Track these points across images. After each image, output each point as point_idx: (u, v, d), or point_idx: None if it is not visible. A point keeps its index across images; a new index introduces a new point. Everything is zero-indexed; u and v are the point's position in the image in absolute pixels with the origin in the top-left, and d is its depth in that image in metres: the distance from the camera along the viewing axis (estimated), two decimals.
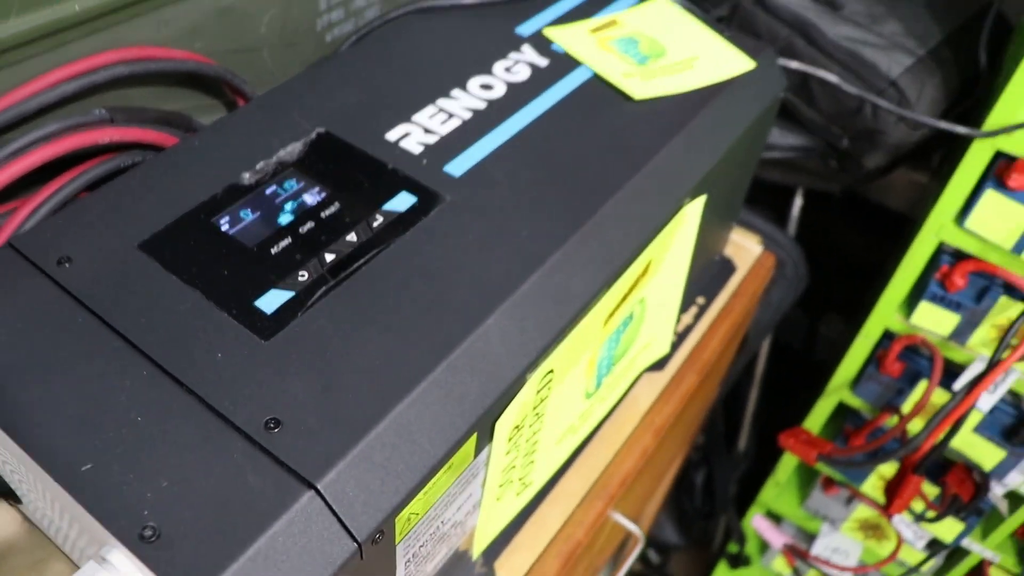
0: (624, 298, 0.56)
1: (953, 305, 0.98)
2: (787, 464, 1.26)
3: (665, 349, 0.71)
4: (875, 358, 1.07)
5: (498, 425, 0.45)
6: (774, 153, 0.96)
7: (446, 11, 0.67)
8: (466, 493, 0.48)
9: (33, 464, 0.38)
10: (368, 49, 0.63)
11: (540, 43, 0.65)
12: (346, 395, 0.40)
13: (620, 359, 0.62)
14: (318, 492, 0.37)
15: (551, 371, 0.49)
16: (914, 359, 1.06)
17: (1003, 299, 0.95)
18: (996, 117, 0.83)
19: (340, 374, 0.41)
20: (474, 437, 0.44)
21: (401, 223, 0.48)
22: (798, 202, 1.12)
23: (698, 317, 0.80)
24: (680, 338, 0.77)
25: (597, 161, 0.55)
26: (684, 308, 0.79)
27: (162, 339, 0.42)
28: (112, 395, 0.40)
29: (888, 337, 1.06)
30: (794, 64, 0.77)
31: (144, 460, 0.37)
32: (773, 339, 1.33)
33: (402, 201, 0.50)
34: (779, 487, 1.31)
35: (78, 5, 0.55)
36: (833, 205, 1.28)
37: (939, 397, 1.03)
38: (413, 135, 0.54)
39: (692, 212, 0.60)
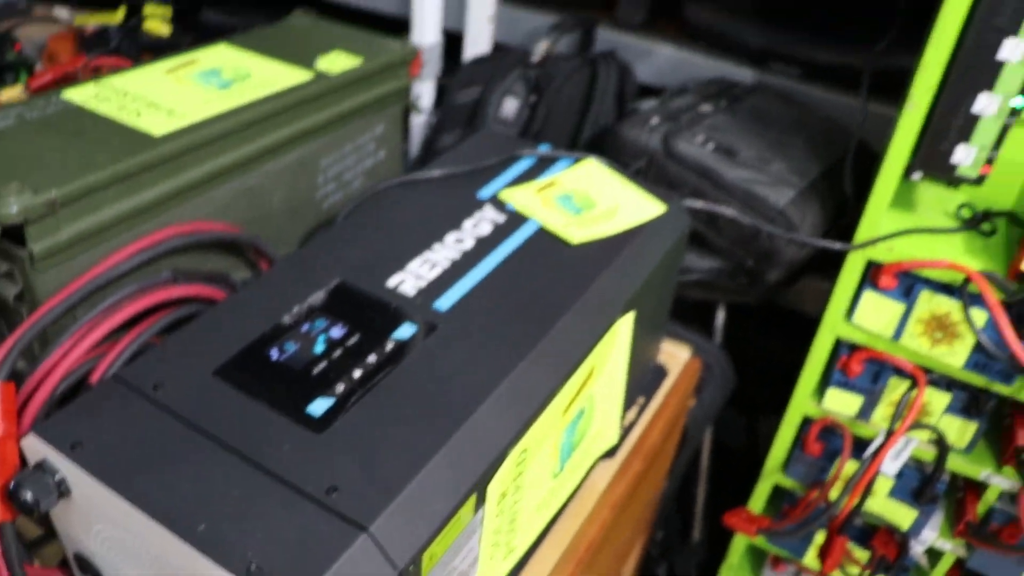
0: (576, 395, 0.73)
1: (855, 388, 1.16)
2: (738, 547, 1.41)
3: (614, 439, 0.87)
4: (799, 441, 1.25)
5: (489, 489, 0.61)
6: (694, 275, 1.16)
7: (421, 182, 0.86)
8: (468, 546, 0.63)
9: (156, 528, 0.53)
10: (363, 215, 0.81)
11: (497, 203, 0.84)
12: (381, 468, 0.56)
13: (578, 446, 0.79)
14: (370, 534, 0.52)
15: (525, 449, 0.66)
16: (831, 438, 1.23)
17: (893, 379, 1.14)
18: (863, 232, 1.04)
19: (375, 453, 0.57)
20: (473, 497, 0.60)
21: (407, 347, 0.65)
22: (720, 315, 1.31)
23: (640, 413, 0.97)
24: (626, 431, 0.94)
25: (547, 292, 0.73)
26: (628, 406, 0.96)
27: (242, 438, 0.58)
28: (211, 479, 0.55)
29: (807, 422, 1.23)
30: (699, 204, 0.96)
31: (243, 520, 0.53)
32: (717, 440, 1.50)
33: (406, 331, 0.67)
34: (733, 570, 1.46)
35: (149, 196, 0.73)
36: (755, 315, 1.47)
37: (852, 467, 1.21)
38: (407, 281, 0.72)
39: (624, 326, 0.78)
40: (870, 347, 1.12)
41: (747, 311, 1.39)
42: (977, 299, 1.00)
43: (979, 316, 1.03)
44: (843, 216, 1.13)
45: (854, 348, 1.15)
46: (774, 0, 1.54)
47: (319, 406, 0.60)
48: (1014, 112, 0.96)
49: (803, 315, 1.55)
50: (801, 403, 1.21)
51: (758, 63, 1.54)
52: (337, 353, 0.64)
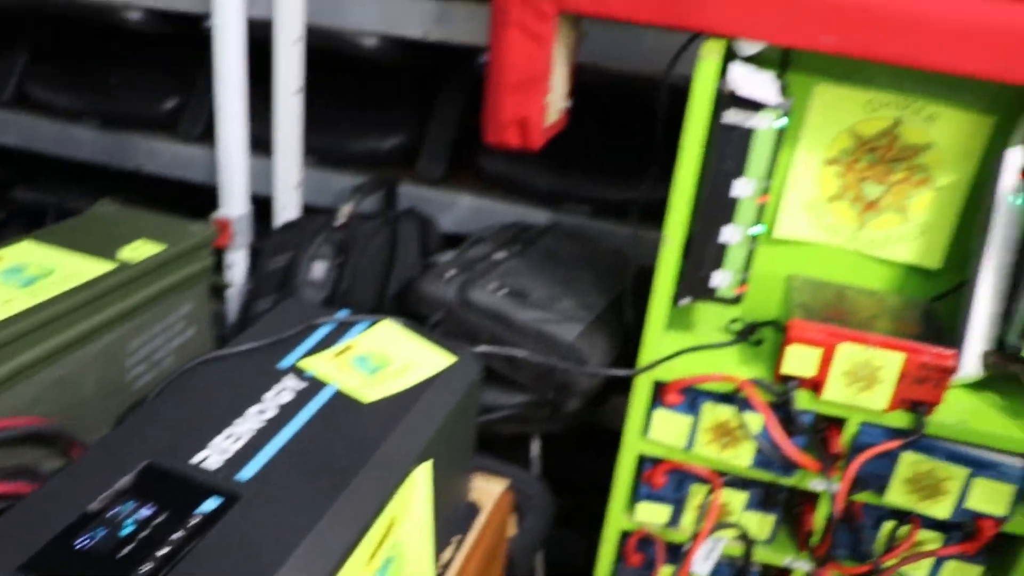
0: (379, 545, 0.79)
1: (662, 499, 1.26)
2: None
3: None
4: (620, 554, 1.33)
5: None
6: (503, 412, 1.25)
7: (226, 358, 0.92)
8: None
9: None
10: (170, 396, 0.86)
11: (297, 372, 0.90)
12: None
13: None
14: None
15: None
16: (648, 548, 1.32)
17: (694, 486, 1.25)
18: (645, 356, 1.16)
19: None
20: None
21: (211, 519, 0.70)
22: (535, 445, 1.40)
23: (456, 551, 1.03)
24: (443, 569, 1.00)
25: (343, 452, 0.79)
26: (442, 546, 1.02)
27: None
28: None
29: (626, 535, 1.32)
30: (490, 348, 1.06)
31: None
32: (556, 563, 1.57)
33: (210, 504, 0.72)
34: None
35: None
36: (576, 436, 1.56)
37: (669, 573, 1.30)
38: (212, 456, 0.77)
39: (421, 475, 0.85)
40: (669, 459, 1.23)
41: (568, 434, 1.48)
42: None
43: (756, 419, 1.15)
44: (632, 340, 1.24)
45: (656, 461, 1.26)
46: (561, 147, 1.69)
47: None
48: (754, 239, 1.11)
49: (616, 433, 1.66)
50: (616, 519, 1.30)
51: (551, 204, 1.69)
52: (144, 534, 0.69)
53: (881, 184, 1.28)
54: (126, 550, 0.67)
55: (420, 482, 0.85)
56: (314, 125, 1.72)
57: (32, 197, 2.12)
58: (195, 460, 0.77)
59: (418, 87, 1.84)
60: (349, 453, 0.80)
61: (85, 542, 0.68)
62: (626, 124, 1.62)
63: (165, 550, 0.67)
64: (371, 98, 1.85)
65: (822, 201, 1.30)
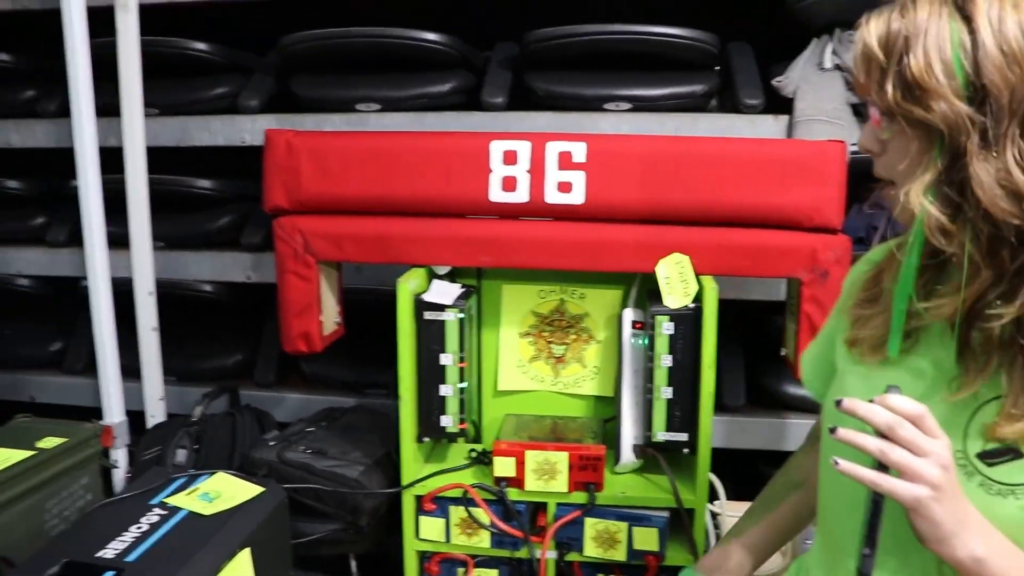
0: None
1: None
2: None
3: None
4: None
5: None
6: (317, 535, 1.76)
7: (114, 502, 1.43)
8: None
9: None
10: (78, 527, 1.37)
11: (163, 505, 1.42)
12: None
13: None
14: None
15: None
16: None
17: (460, 570, 1.77)
18: (405, 479, 1.71)
19: None
20: None
21: None
22: (353, 563, 1.91)
23: None
24: None
25: (192, 541, 1.31)
26: None
27: None
28: None
29: None
30: (298, 486, 1.59)
31: None
32: None
33: (109, 574, 1.22)
34: None
35: None
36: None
37: None
38: (108, 551, 1.28)
39: (243, 559, 1.37)
40: (436, 551, 1.76)
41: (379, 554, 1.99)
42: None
43: (484, 513, 1.71)
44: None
45: (430, 555, 1.78)
46: (359, 347, 2.27)
47: None
48: (463, 391, 1.70)
49: None
50: None
51: (356, 391, 2.26)
52: None
53: (563, 344, 1.91)
54: None
55: (244, 560, 1.37)
56: (173, 353, 2.27)
57: None
58: (98, 554, 1.28)
59: (249, 316, 2.42)
60: (194, 542, 1.32)
61: None
62: None
63: None
64: (214, 328, 2.42)
65: (526, 361, 1.92)
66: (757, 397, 2.21)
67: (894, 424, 0.83)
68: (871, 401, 0.86)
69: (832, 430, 0.87)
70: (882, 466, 0.84)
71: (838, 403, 0.87)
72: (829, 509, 1.07)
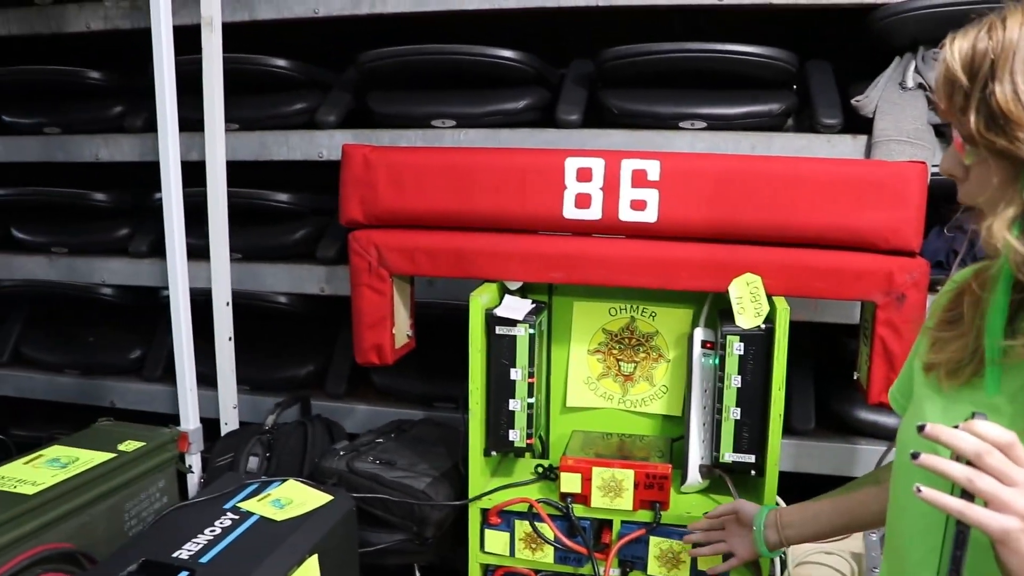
0: None
1: None
2: None
3: None
4: None
5: None
6: (383, 545, 1.78)
7: (189, 505, 1.47)
8: None
9: None
10: (155, 528, 1.41)
11: (235, 510, 1.46)
12: None
13: None
14: None
15: None
16: None
17: None
18: (472, 492, 1.72)
19: None
20: None
21: None
22: (417, 573, 1.93)
23: None
24: None
25: (263, 545, 1.34)
26: None
27: None
28: None
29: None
30: (366, 495, 1.62)
31: None
32: None
33: (184, 574, 1.26)
34: None
35: (22, 531, 1.30)
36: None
37: None
38: (183, 552, 1.31)
39: (312, 562, 1.39)
40: (500, 565, 1.77)
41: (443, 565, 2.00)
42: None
43: (549, 529, 1.71)
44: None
45: (494, 569, 1.79)
46: (430, 360, 2.29)
47: None
48: (531, 406, 1.70)
49: None
50: None
51: (425, 404, 2.28)
52: None
53: (632, 362, 1.91)
54: None
55: (312, 566, 1.40)
56: (247, 362, 2.32)
57: (25, 434, 2.63)
58: (174, 555, 1.31)
59: (322, 328, 2.46)
60: (265, 546, 1.35)
61: None
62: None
63: None
64: (288, 339, 2.47)
65: (594, 378, 1.92)
66: (827, 421, 2.17)
67: (983, 451, 0.79)
68: (956, 427, 0.82)
69: (914, 455, 0.83)
70: (966, 494, 0.81)
71: (920, 428, 0.84)
72: (901, 536, 1.05)
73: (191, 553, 1.31)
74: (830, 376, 2.22)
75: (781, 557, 1.83)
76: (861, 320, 1.84)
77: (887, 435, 2.10)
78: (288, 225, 2.33)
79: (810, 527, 1.39)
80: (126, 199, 2.48)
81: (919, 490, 0.82)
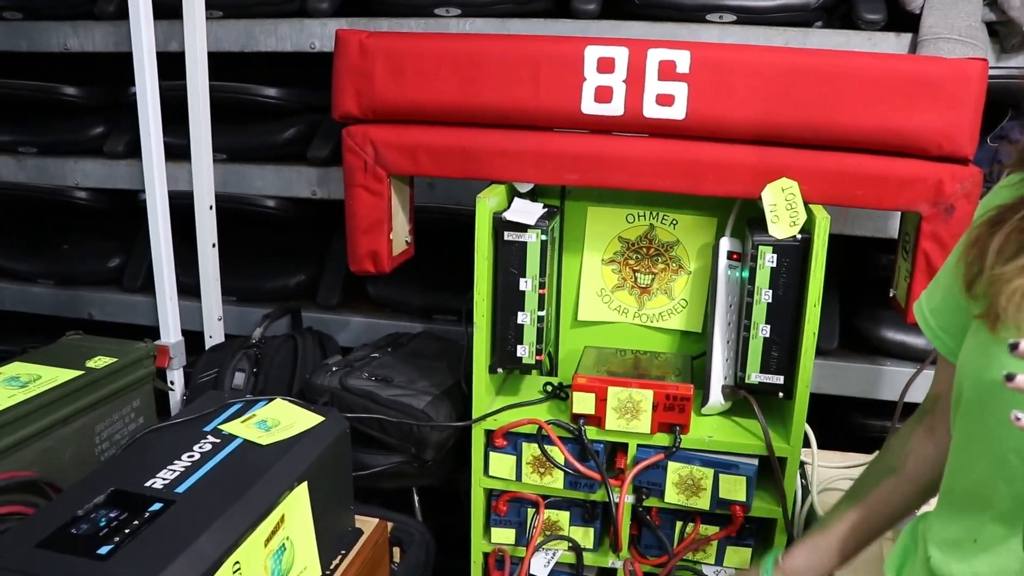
0: (273, 532, 1.19)
1: (507, 523, 1.67)
2: None
3: (317, 573, 1.33)
4: (485, 574, 1.72)
5: None
6: (380, 468, 1.66)
7: (166, 427, 1.33)
8: None
9: None
10: (128, 452, 1.27)
11: (216, 432, 1.32)
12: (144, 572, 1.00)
13: (287, 573, 1.24)
14: None
15: (238, 561, 1.11)
16: (503, 565, 1.71)
17: (530, 509, 1.66)
18: (476, 412, 1.59)
19: (138, 567, 1.01)
20: None
21: (158, 513, 1.11)
22: (415, 497, 1.81)
23: (342, 559, 1.42)
24: (334, 569, 1.39)
25: (246, 473, 1.21)
26: (335, 554, 1.41)
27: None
28: None
29: (486, 556, 1.72)
30: (361, 415, 1.48)
31: None
32: None
33: (156, 505, 1.12)
34: None
35: None
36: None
37: None
38: (158, 481, 1.18)
39: (301, 491, 1.26)
40: (506, 490, 1.65)
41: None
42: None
43: (559, 452, 1.58)
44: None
45: (499, 494, 1.67)
46: (429, 270, 2.14)
47: (103, 549, 1.04)
48: (541, 319, 1.56)
49: None
50: (477, 543, 1.71)
51: (424, 317, 2.14)
52: (113, 524, 1.09)
53: (650, 274, 1.76)
54: (103, 532, 1.07)
55: (301, 495, 1.26)
56: (233, 271, 2.17)
57: None
58: (147, 484, 1.17)
59: (314, 234, 2.30)
60: (249, 474, 1.21)
61: (75, 531, 1.07)
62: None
63: (127, 530, 1.07)
64: (277, 246, 2.31)
65: (608, 290, 1.77)
66: (851, 340, 2.05)
67: None
68: None
69: (1009, 377, 0.72)
70: None
71: (1013, 347, 0.72)
72: (976, 487, 0.91)
73: (166, 482, 1.17)
74: (855, 293, 2.08)
75: (803, 483, 1.72)
76: (900, 233, 1.69)
77: (915, 356, 1.98)
78: (277, 123, 2.15)
79: (824, 563, 1.16)
80: (100, 94, 2.29)
81: (1019, 419, 0.70)
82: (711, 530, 1.64)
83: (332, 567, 1.40)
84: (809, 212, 1.48)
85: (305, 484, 1.27)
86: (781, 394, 1.57)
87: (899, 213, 1.74)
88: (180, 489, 1.17)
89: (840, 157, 1.50)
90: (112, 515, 1.11)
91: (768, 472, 1.58)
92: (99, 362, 1.42)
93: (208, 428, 1.34)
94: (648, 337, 1.79)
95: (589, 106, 1.49)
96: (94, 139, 2.29)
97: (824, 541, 1.15)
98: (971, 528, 0.91)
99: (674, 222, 1.72)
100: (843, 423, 2.12)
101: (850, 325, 2.05)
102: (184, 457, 1.25)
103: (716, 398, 1.62)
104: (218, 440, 1.30)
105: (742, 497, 1.57)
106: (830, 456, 1.82)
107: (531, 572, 1.65)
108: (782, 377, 1.55)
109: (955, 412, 0.95)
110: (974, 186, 1.49)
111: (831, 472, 1.76)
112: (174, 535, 1.07)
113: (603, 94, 1.48)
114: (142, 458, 1.25)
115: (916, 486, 1.07)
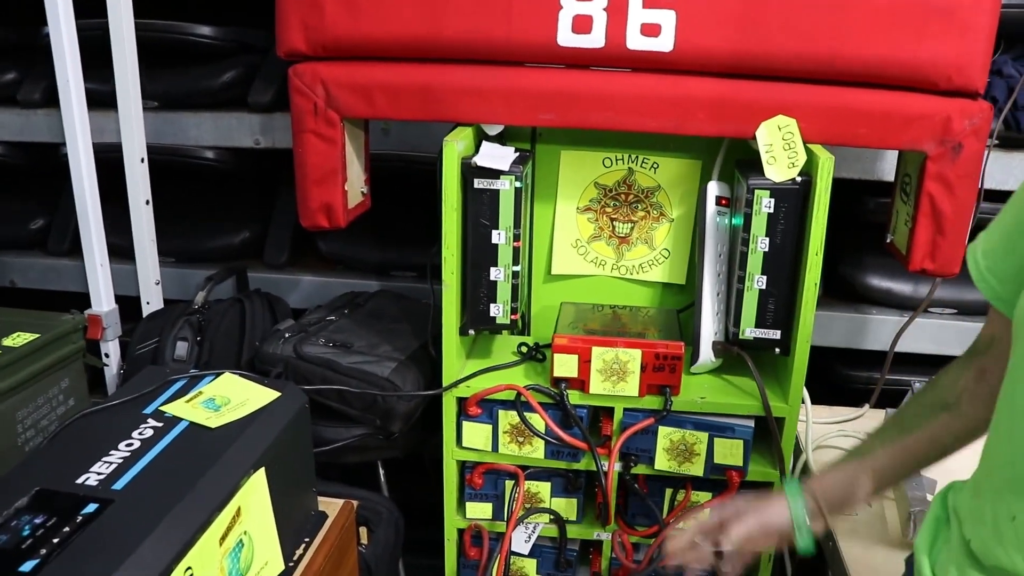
0: (228, 530, 1.05)
1: (484, 497, 1.54)
2: None
3: (279, 567, 1.18)
4: (460, 552, 1.60)
5: None
6: (343, 442, 1.51)
7: (99, 411, 1.17)
8: None
9: None
10: (56, 442, 1.11)
11: (157, 415, 1.16)
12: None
13: (246, 572, 1.10)
14: None
15: (190, 567, 0.96)
16: (480, 541, 1.59)
17: (507, 481, 1.53)
18: (446, 379, 1.45)
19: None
20: None
21: (92, 517, 0.95)
22: (381, 470, 1.67)
23: (307, 548, 1.28)
24: (296, 562, 1.25)
25: (194, 463, 1.05)
26: (298, 544, 1.27)
27: None
28: None
29: (461, 532, 1.59)
30: (320, 387, 1.33)
31: None
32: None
33: (90, 508, 0.97)
34: None
35: None
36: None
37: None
38: (91, 477, 1.02)
39: (258, 479, 1.11)
40: (481, 461, 1.52)
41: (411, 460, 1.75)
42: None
43: (539, 419, 1.45)
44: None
45: (473, 465, 1.53)
46: (385, 224, 1.98)
47: (27, 566, 0.88)
48: (516, 275, 1.42)
49: None
50: (451, 519, 1.58)
51: (381, 274, 1.98)
52: (39, 533, 0.93)
53: (629, 222, 1.62)
54: (27, 544, 0.91)
55: (258, 483, 1.11)
56: (171, 230, 1.99)
57: None
58: (79, 481, 1.02)
59: (259, 188, 2.12)
60: (198, 463, 1.06)
61: None
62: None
63: (56, 540, 0.92)
64: (218, 201, 2.13)
65: (584, 241, 1.63)
66: (835, 288, 1.94)
67: None
68: None
69: None
70: None
71: None
72: (1017, 448, 0.80)
73: (101, 477, 1.02)
74: (838, 238, 1.97)
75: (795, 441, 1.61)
76: (898, 174, 1.56)
77: (902, 304, 1.88)
78: (213, 65, 1.96)
79: (859, 490, 1.03)
80: (11, 36, 2.07)
81: None
82: (703, 496, 1.53)
83: (296, 557, 1.26)
84: (808, 152, 1.35)
85: (263, 470, 1.12)
86: (778, 350, 1.45)
87: (894, 153, 1.62)
88: (118, 486, 1.01)
89: (841, 92, 1.36)
90: (37, 521, 0.95)
91: (761, 433, 1.47)
92: (18, 339, 1.24)
93: (148, 410, 1.18)
94: (628, 291, 1.66)
95: (566, 37, 1.32)
96: (6, 86, 2.07)
97: (861, 468, 1.03)
98: (1012, 505, 0.81)
99: (655, 166, 1.58)
100: (826, 375, 2.02)
101: (833, 272, 1.94)
102: (122, 446, 1.09)
103: (706, 356, 1.50)
104: (160, 424, 1.14)
105: (739, 462, 1.46)
106: (819, 411, 1.72)
107: (512, 548, 1.53)
108: (779, 332, 1.44)
109: (1010, 372, 0.84)
110: (984, 123, 1.36)
111: (825, 428, 1.66)
112: (113, 542, 0.92)
113: (582, 24, 1.32)
114: (72, 449, 1.09)
115: (968, 425, 0.97)
